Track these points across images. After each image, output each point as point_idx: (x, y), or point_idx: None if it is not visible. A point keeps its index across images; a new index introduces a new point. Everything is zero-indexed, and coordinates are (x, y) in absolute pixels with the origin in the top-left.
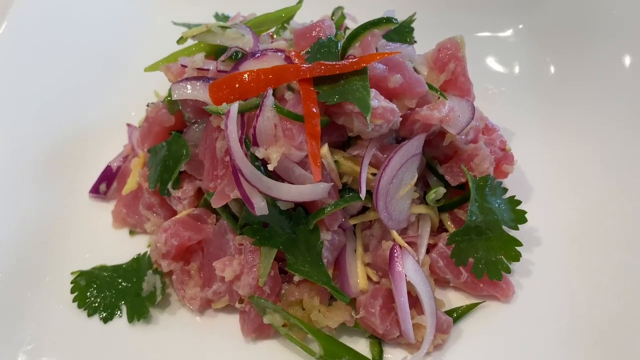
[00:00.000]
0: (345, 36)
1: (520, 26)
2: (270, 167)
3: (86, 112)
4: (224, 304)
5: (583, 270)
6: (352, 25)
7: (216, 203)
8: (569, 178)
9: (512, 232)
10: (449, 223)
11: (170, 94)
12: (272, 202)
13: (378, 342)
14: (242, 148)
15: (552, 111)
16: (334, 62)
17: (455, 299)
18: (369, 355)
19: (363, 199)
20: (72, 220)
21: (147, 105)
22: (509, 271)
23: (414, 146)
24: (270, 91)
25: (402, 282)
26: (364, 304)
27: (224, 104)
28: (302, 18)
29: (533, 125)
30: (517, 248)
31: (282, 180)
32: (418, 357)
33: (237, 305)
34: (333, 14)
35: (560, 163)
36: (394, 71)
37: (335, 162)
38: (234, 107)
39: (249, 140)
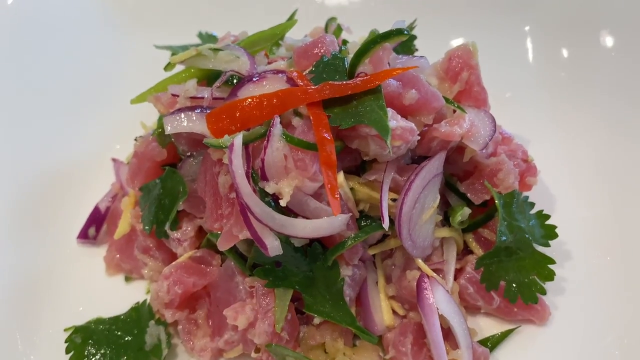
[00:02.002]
0: (352, 51)
1: (527, 28)
2: (282, 203)
3: (66, 149)
4: (238, 353)
5: (619, 282)
6: (348, 37)
7: (223, 246)
8: (593, 184)
9: (542, 249)
10: (474, 244)
11: (160, 126)
12: (285, 239)
13: None
14: (249, 183)
15: (566, 113)
16: (344, 82)
17: (486, 325)
18: None
19: (387, 229)
20: (61, 270)
21: (135, 140)
22: (544, 292)
23: (434, 166)
24: (278, 119)
25: (435, 317)
26: (393, 342)
27: (226, 136)
28: (292, 31)
29: (547, 130)
30: (550, 266)
31: (296, 215)
32: None
33: (253, 354)
34: (327, 26)
35: (582, 168)
36: (409, 86)
37: (351, 189)
38: (238, 139)
39: (255, 174)
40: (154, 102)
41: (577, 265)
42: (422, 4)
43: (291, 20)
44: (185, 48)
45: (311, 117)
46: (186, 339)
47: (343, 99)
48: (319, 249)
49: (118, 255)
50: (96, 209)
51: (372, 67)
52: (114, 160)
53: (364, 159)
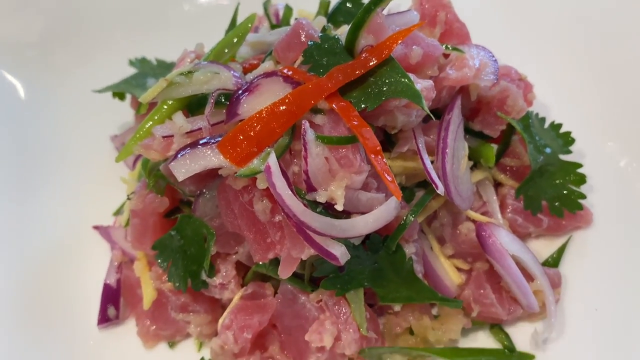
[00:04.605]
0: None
1: None
2: (339, 207)
3: (36, 234)
4: None
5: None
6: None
7: (286, 273)
8: (577, 76)
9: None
10: (501, 176)
11: (156, 176)
12: (343, 241)
13: (499, 327)
14: (299, 200)
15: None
16: (353, 62)
17: (539, 246)
18: (494, 345)
19: (443, 193)
20: None
21: (128, 198)
22: (584, 197)
23: (456, 115)
24: (307, 124)
25: (508, 259)
26: (473, 298)
27: (255, 160)
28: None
29: (510, 37)
30: (579, 170)
31: (349, 213)
32: (551, 323)
33: None
34: (265, 9)
35: (558, 63)
36: (410, 44)
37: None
38: (272, 159)
39: (297, 187)
40: (144, 151)
41: (594, 158)
42: None
43: (250, 16)
44: (127, 82)
45: (336, 109)
46: None
47: (357, 79)
48: (378, 239)
49: (153, 326)
50: (107, 287)
51: (373, 37)
52: (97, 228)
53: (391, 132)
